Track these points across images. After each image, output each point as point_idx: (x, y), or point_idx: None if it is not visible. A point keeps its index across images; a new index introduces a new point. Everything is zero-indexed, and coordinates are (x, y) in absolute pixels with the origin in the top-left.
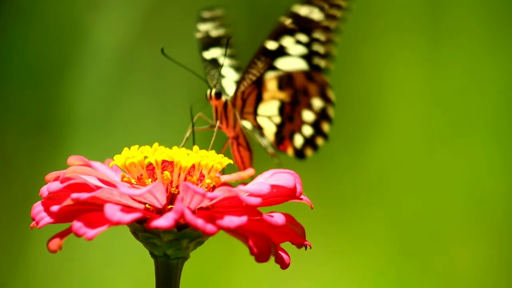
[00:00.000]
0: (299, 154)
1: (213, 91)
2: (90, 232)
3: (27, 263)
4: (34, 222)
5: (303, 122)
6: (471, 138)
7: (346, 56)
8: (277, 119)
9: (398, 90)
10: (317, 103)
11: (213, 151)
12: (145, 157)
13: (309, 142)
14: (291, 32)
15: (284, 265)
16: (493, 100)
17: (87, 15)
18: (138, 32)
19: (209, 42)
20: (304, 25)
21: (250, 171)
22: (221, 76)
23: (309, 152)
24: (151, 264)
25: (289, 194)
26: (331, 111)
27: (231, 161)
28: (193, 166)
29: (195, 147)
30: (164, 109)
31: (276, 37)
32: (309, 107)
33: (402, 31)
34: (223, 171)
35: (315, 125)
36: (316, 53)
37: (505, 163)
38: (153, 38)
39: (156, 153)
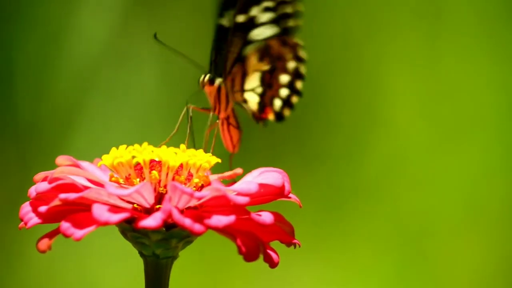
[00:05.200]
0: (279, 116)
1: (206, 77)
2: (78, 233)
3: (19, 262)
4: (22, 222)
5: (280, 86)
6: (471, 137)
7: (346, 55)
8: (260, 90)
9: (397, 89)
10: (291, 64)
11: (201, 150)
12: (133, 157)
13: (286, 103)
14: (257, 2)
15: (272, 264)
16: (493, 100)
17: (74, 11)
18: (122, 24)
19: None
20: None
21: (238, 170)
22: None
23: (287, 112)
24: (140, 264)
25: (277, 192)
26: (303, 69)
27: (219, 160)
28: (181, 165)
29: (182, 146)
30: (152, 105)
31: (244, 9)
32: (285, 70)
33: (402, 30)
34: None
35: (290, 85)
36: (284, 15)
37: (505, 162)
38: (137, 29)
39: (144, 152)
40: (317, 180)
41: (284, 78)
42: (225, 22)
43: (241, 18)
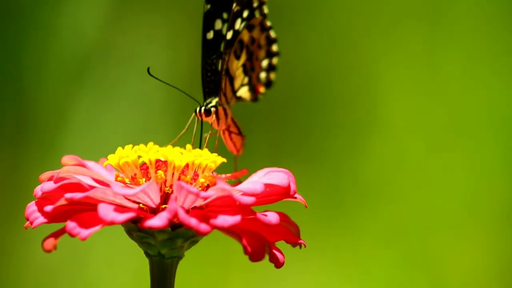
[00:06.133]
0: (268, 84)
1: (202, 109)
2: (84, 232)
3: (19, 262)
4: (28, 222)
5: (260, 62)
6: (470, 138)
7: (346, 57)
8: (246, 79)
9: (397, 90)
10: (263, 39)
11: (206, 150)
12: (139, 157)
13: (269, 69)
14: (240, 14)
15: (278, 264)
16: (492, 100)
17: (64, 7)
18: (112, 21)
19: (219, 7)
20: (243, 1)
21: (243, 171)
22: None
23: (272, 76)
24: (146, 264)
25: (283, 192)
26: (272, 34)
27: (225, 160)
28: (187, 165)
29: (188, 146)
30: (146, 103)
31: (232, 25)
32: (260, 47)
33: (401, 33)
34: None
35: (268, 53)
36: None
37: (504, 163)
38: (128, 25)
39: (150, 152)
40: (317, 180)
41: (261, 54)
42: (210, 35)
43: (230, 35)
